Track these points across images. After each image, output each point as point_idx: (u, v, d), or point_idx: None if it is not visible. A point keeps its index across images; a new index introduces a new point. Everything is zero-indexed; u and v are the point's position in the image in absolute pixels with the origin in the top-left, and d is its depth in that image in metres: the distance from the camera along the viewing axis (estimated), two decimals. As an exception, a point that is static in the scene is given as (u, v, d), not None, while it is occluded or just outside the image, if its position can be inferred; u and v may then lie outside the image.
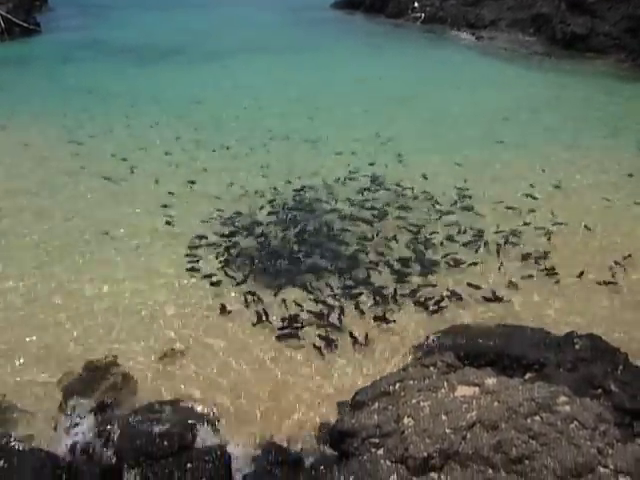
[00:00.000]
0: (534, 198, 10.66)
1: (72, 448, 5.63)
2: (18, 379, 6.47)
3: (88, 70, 20.21)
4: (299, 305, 7.68)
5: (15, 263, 8.56)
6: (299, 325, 7.30)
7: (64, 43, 24.58)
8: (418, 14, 29.86)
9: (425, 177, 11.41)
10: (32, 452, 5.34)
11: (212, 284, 8.09)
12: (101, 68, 20.55)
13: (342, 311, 7.55)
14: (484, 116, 15.66)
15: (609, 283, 8.16)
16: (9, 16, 26.58)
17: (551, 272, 8.41)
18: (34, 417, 6.00)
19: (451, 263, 8.64)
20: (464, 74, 20.25)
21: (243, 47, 23.70)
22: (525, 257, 8.79)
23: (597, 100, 17.09)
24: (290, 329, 7.24)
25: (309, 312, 7.54)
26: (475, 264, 8.61)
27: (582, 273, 8.34)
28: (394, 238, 9.27)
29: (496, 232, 9.49)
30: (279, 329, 7.27)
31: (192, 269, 8.41)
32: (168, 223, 9.67)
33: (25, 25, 27.30)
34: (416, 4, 30.25)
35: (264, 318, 7.41)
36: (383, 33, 27.30)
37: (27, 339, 7.07)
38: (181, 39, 25.50)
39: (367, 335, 7.09)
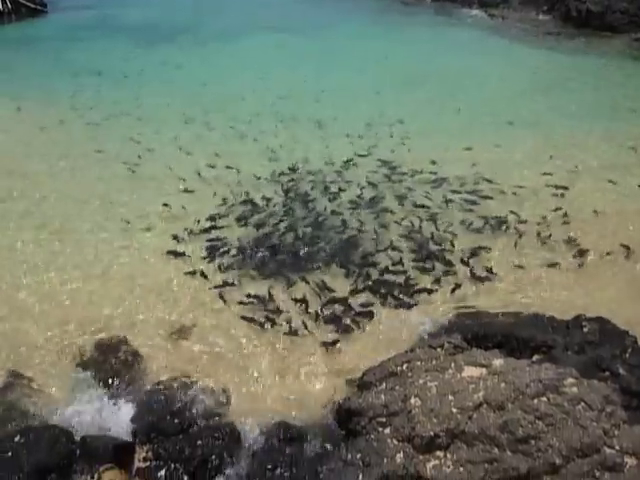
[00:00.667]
0: (547, 181, 10.51)
1: (85, 424, 5.75)
2: (32, 357, 6.57)
3: (96, 50, 20.11)
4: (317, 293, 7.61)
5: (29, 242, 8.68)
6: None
7: (71, 23, 24.41)
8: (429, -8, 29.21)
9: (434, 162, 11.25)
10: (46, 428, 5.48)
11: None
12: (109, 48, 20.44)
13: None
14: (494, 96, 15.43)
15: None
16: (16, -4, 26.43)
17: (577, 255, 8.32)
18: (48, 394, 6.11)
19: (470, 248, 8.51)
20: (474, 53, 19.88)
21: (250, 26, 23.40)
22: (548, 241, 8.69)
23: (612, 81, 16.76)
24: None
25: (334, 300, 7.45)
26: (489, 249, 8.52)
27: (607, 253, 8.28)
28: (408, 223, 9.21)
29: (517, 217, 9.34)
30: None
31: (206, 256, 8.43)
32: (166, 205, 9.67)
33: (31, 5, 27.13)
34: (426, -20, 29.57)
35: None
36: (392, 11, 26.80)
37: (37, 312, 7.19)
38: (189, 18, 25.23)
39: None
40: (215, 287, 7.69)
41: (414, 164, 11.22)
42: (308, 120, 13.62)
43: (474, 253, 8.39)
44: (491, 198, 9.94)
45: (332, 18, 24.98)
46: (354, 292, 7.58)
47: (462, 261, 8.19)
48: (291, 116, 13.90)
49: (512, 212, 9.46)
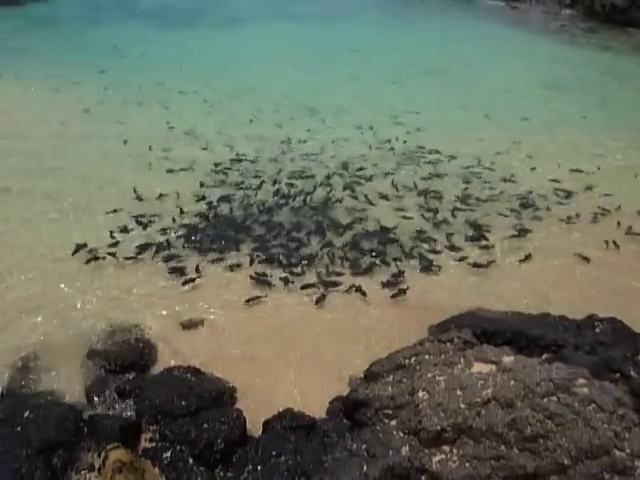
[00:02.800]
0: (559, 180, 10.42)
1: (94, 403, 5.81)
2: (42, 338, 6.62)
3: (116, 32, 20.23)
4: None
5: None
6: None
7: (89, 4, 24.45)
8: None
9: (453, 157, 11.19)
10: (56, 405, 5.56)
11: None
12: (127, 30, 20.49)
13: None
14: (511, 90, 15.23)
15: None
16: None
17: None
18: (59, 373, 6.17)
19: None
20: (494, 46, 19.66)
21: (267, 13, 23.32)
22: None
23: (634, 78, 16.45)
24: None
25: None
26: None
27: None
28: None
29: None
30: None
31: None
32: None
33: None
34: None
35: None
36: (412, 1, 26.48)
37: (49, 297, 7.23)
38: (207, 2, 25.13)
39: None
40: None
41: (430, 155, 11.20)
42: (322, 109, 13.60)
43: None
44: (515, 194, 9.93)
45: (350, 7, 24.73)
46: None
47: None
48: (305, 105, 13.86)
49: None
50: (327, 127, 12.68)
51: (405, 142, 11.82)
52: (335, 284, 7.54)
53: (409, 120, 13.01)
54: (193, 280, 7.57)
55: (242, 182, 10.16)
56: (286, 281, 7.57)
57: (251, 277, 7.65)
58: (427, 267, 7.91)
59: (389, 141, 11.88)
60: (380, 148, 11.61)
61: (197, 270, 7.74)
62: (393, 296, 7.28)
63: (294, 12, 23.20)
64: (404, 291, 7.34)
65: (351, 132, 12.42)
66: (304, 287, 7.48)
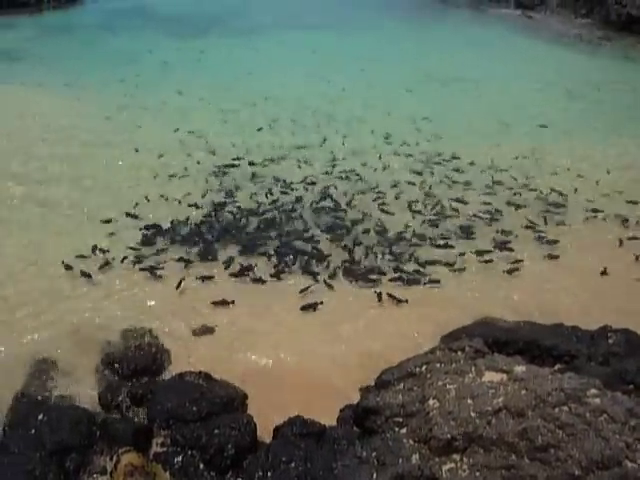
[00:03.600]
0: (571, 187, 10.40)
1: (107, 407, 5.88)
2: (56, 343, 6.71)
3: (134, 39, 20.60)
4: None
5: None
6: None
7: (108, 12, 24.93)
8: (465, -9, 28.88)
9: (472, 163, 11.21)
10: (70, 408, 5.64)
11: None
12: (142, 39, 20.83)
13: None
14: (528, 99, 15.20)
15: None
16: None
17: None
18: (73, 377, 6.27)
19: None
20: (510, 55, 19.65)
21: (282, 22, 23.54)
22: None
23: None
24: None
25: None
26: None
27: None
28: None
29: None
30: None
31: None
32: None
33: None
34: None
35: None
36: (426, 9, 26.57)
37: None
38: (223, 10, 25.47)
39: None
40: None
41: (450, 164, 11.25)
42: (340, 117, 13.68)
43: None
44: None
45: (365, 16, 24.89)
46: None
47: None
48: (325, 113, 13.95)
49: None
50: (345, 135, 12.71)
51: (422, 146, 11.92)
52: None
53: (426, 127, 13.03)
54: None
55: (266, 192, 10.19)
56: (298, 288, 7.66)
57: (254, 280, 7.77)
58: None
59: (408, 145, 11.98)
60: (398, 154, 11.66)
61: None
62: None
63: (309, 22, 23.38)
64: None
65: (369, 139, 12.46)
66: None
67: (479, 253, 8.46)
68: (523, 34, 22.48)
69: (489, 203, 9.88)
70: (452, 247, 8.60)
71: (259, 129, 12.92)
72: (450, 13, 25.97)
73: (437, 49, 20.30)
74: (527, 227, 9.19)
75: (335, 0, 28.08)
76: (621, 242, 8.78)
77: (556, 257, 8.46)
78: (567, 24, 23.84)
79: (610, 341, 6.07)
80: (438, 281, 7.87)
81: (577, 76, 17.41)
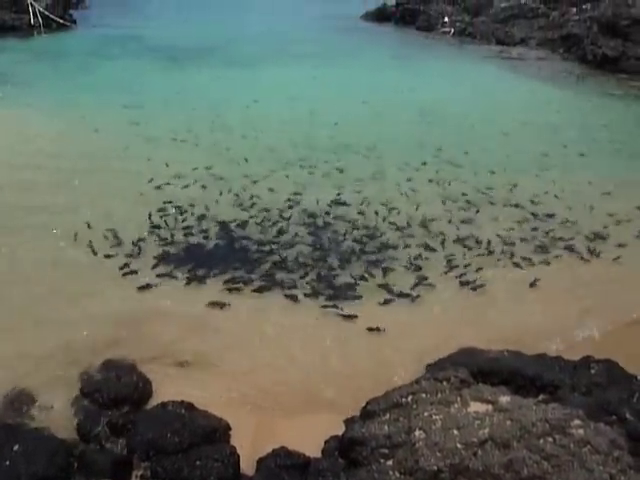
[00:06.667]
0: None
1: (85, 438, 5.73)
2: (34, 370, 6.57)
3: (124, 67, 20.83)
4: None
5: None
6: None
7: (97, 39, 25.31)
8: (448, 29, 29.96)
9: (465, 196, 11.33)
10: (46, 439, 5.45)
11: None
12: (135, 66, 21.11)
13: None
14: (509, 135, 15.53)
15: None
16: (46, 12, 27.34)
17: None
18: (50, 407, 6.10)
19: None
20: (490, 92, 20.22)
21: (276, 54, 24.02)
22: None
23: (622, 126, 16.83)
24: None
25: None
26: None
27: None
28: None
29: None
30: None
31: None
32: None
33: (61, 21, 28.03)
34: (446, 19, 30.40)
35: None
36: (413, 46, 27.38)
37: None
38: (213, 42, 26.00)
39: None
40: None
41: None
42: (325, 148, 13.74)
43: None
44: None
45: (356, 49, 25.53)
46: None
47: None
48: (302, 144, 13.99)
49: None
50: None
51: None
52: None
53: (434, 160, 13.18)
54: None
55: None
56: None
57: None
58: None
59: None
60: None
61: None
62: None
63: (300, 54, 23.86)
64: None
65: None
66: None
67: None
68: (503, 71, 23.23)
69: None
70: None
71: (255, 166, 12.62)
72: (433, 51, 26.75)
73: (421, 81, 20.87)
74: None
75: (326, 35, 28.75)
76: None
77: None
78: (546, 61, 24.75)
79: (592, 371, 6.13)
80: None
81: (550, 113, 17.73)
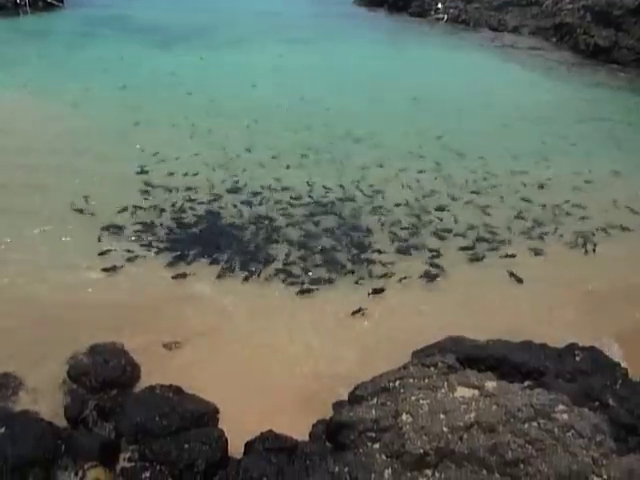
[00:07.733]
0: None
1: (73, 421, 5.71)
2: (21, 354, 6.54)
3: (110, 48, 20.38)
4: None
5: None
6: None
7: (85, 19, 24.78)
8: (441, 15, 29.71)
9: (443, 207, 11.00)
10: (34, 421, 5.43)
11: None
12: (122, 46, 20.67)
13: None
14: (496, 124, 15.48)
15: None
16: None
17: None
18: (38, 390, 6.09)
19: None
20: (482, 78, 20.13)
21: (266, 37, 23.67)
22: None
23: (612, 115, 16.85)
24: None
25: None
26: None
27: None
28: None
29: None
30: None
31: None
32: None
33: (48, 0, 27.40)
34: (439, 5, 30.11)
35: None
36: (405, 32, 27.11)
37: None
38: (203, 23, 25.49)
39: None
40: None
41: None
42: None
43: None
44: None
45: (349, 35, 25.21)
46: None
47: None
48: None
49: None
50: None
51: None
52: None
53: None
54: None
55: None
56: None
57: None
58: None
59: None
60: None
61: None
62: None
63: (292, 38, 23.50)
64: None
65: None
66: None
67: None
68: (495, 58, 23.08)
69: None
70: None
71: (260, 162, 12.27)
72: (427, 35, 26.52)
73: (408, 69, 20.72)
74: None
75: (320, 21, 28.39)
76: None
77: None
78: (537, 50, 24.64)
79: (577, 359, 6.22)
80: None
81: (540, 101, 17.68)
